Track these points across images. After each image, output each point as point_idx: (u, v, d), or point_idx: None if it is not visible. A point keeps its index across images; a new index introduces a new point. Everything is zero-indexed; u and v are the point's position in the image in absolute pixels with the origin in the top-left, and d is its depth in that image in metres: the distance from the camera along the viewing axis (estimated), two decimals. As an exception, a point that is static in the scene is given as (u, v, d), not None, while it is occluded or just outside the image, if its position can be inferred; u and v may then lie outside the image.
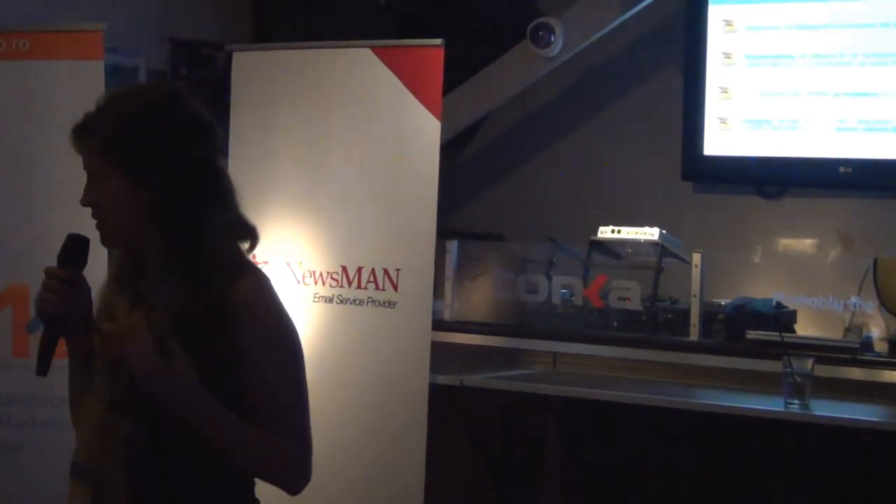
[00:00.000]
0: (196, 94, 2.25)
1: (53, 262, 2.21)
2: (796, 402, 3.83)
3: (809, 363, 3.85)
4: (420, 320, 4.14)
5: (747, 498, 4.42)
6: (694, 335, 4.39)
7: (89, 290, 2.22)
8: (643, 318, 4.51)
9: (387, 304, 4.19)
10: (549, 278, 4.68)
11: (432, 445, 4.08)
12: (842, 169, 4.88)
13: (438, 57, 4.13)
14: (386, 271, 4.19)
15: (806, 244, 5.13)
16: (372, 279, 4.21)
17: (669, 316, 4.51)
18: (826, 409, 3.87)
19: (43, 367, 2.19)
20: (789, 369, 3.84)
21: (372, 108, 4.26)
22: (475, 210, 5.71)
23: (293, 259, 4.31)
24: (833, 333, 4.54)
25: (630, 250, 4.65)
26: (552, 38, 5.00)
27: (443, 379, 4.27)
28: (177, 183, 2.14)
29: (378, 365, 4.18)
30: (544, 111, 5.69)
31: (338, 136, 4.32)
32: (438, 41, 4.14)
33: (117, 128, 2.14)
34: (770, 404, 3.93)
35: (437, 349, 4.20)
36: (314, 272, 4.32)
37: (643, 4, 4.98)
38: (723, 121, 5.12)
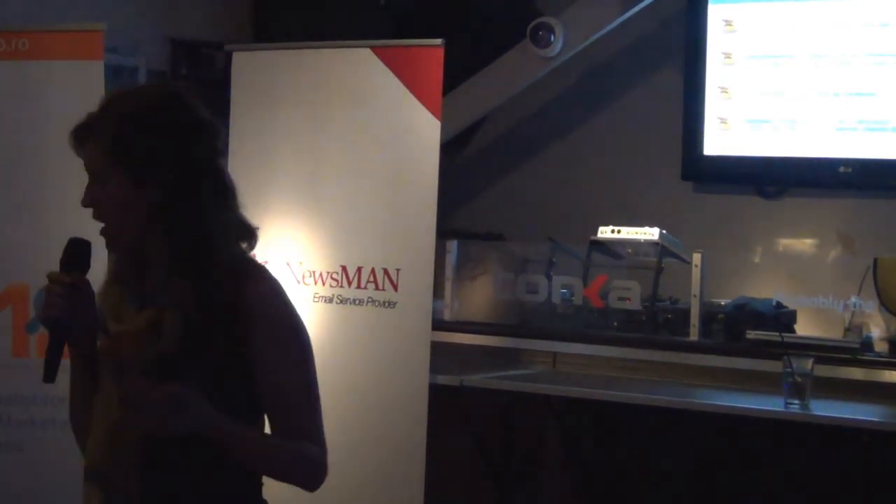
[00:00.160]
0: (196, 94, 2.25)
1: (53, 263, 2.19)
2: (796, 402, 3.83)
3: (809, 363, 3.85)
4: (420, 320, 4.14)
5: (747, 498, 4.42)
6: (694, 335, 4.39)
7: (93, 293, 2.21)
8: (643, 318, 4.51)
9: (387, 304, 4.19)
10: (549, 278, 4.68)
11: (432, 445, 4.08)
12: (842, 169, 4.88)
13: (438, 57, 4.13)
14: (386, 271, 4.19)
15: (806, 244, 5.13)
16: (372, 279, 4.21)
17: (669, 316, 4.51)
18: (826, 409, 3.87)
19: (50, 374, 2.16)
20: (789, 369, 3.84)
21: (372, 108, 4.26)
22: (475, 210, 5.72)
23: (293, 259, 4.31)
24: (833, 333, 4.54)
25: (630, 250, 4.65)
26: (552, 38, 5.01)
27: (443, 379, 4.27)
28: (180, 182, 2.13)
29: (378, 365, 4.18)
30: (544, 111, 5.69)
31: (338, 136, 4.32)
32: (438, 41, 4.14)
33: (119, 128, 2.13)
34: (770, 404, 3.93)
35: (437, 349, 4.20)
36: (314, 272, 4.32)
37: (643, 4, 4.99)
38: (723, 121, 5.12)
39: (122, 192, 2.13)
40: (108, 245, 2.20)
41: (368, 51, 4.27)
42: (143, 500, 2.13)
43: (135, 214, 2.14)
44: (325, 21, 5.35)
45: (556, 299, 4.65)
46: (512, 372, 4.54)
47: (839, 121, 4.89)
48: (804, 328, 4.59)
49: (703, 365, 4.35)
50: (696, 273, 4.40)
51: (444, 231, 4.68)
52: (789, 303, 4.63)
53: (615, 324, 4.57)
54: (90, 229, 2.20)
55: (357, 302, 4.24)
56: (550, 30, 5.00)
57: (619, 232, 4.60)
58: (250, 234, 2.24)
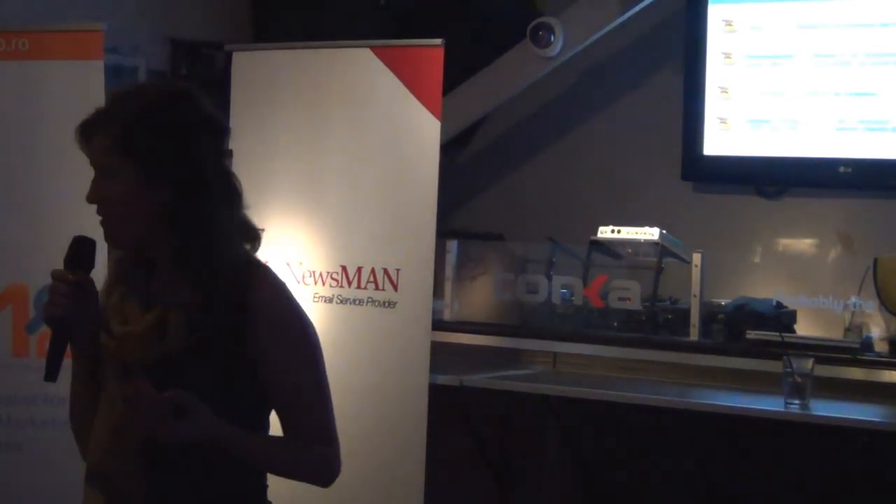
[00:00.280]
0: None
1: (53, 263, 2.19)
2: (796, 402, 3.84)
3: (809, 363, 3.85)
4: (420, 320, 4.14)
5: (747, 498, 4.42)
6: (694, 335, 4.39)
7: (97, 293, 2.19)
8: (643, 318, 4.51)
9: (387, 304, 4.19)
10: (549, 278, 4.68)
11: (432, 445, 4.08)
12: (842, 169, 4.88)
13: (438, 57, 4.13)
14: (386, 271, 4.19)
15: (806, 244, 5.12)
16: (372, 279, 4.21)
17: (669, 316, 4.51)
18: (826, 409, 3.87)
19: (52, 373, 2.14)
20: (789, 369, 3.84)
21: (372, 108, 4.26)
22: (475, 210, 5.71)
23: (293, 259, 4.31)
24: (833, 333, 4.54)
25: (630, 250, 4.65)
26: (552, 38, 5.00)
27: (443, 379, 4.27)
28: (188, 180, 2.12)
29: (378, 365, 4.18)
30: (544, 111, 5.69)
31: (337, 136, 4.32)
32: (438, 41, 4.14)
33: (130, 123, 2.11)
34: (770, 404, 3.93)
35: (437, 349, 4.20)
36: (314, 272, 4.32)
37: (643, 4, 4.98)
38: (723, 121, 5.12)
39: (129, 188, 2.11)
40: (109, 241, 2.18)
41: (368, 51, 4.27)
42: (147, 502, 2.12)
43: (141, 211, 2.12)
44: (324, 21, 5.35)
45: (556, 299, 4.65)
46: (512, 372, 4.54)
47: (839, 121, 4.89)
48: (804, 328, 4.59)
49: (703, 365, 4.35)
50: (696, 273, 4.40)
51: (444, 231, 4.68)
52: (789, 303, 4.63)
53: (615, 324, 4.57)
54: (90, 229, 2.19)
55: (357, 302, 4.24)
56: (550, 30, 5.00)
57: (619, 232, 4.60)
58: (255, 236, 2.23)
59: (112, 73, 4.52)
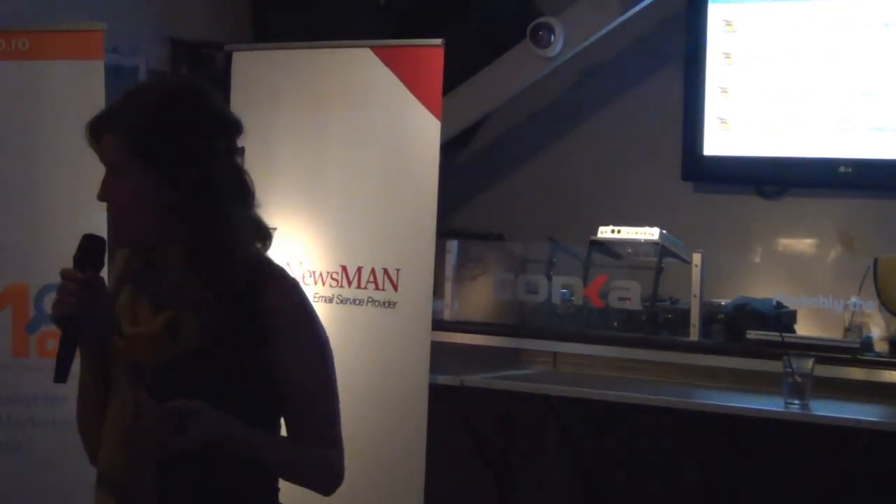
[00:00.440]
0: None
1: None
2: (796, 402, 3.84)
3: (809, 363, 3.85)
4: (420, 320, 4.14)
5: (747, 498, 4.42)
6: (694, 335, 4.39)
7: (107, 292, 2.15)
8: (643, 318, 4.51)
9: (387, 304, 4.19)
10: (549, 278, 4.68)
11: (432, 445, 4.08)
12: (842, 169, 4.88)
13: (438, 57, 4.13)
14: (386, 271, 4.20)
15: (806, 244, 5.13)
16: (372, 279, 4.21)
17: (669, 316, 4.51)
18: (826, 409, 3.87)
19: (62, 374, 2.09)
20: (789, 369, 3.84)
21: (372, 108, 4.26)
22: (475, 210, 5.71)
23: (293, 259, 4.31)
24: (833, 333, 4.55)
25: (630, 250, 4.66)
26: (552, 38, 5.00)
27: (443, 379, 4.27)
28: (200, 178, 2.10)
29: (378, 365, 4.17)
30: (544, 111, 5.69)
31: (337, 136, 4.32)
32: (438, 41, 4.14)
33: (142, 120, 2.08)
34: (770, 404, 3.93)
35: (437, 349, 4.20)
36: (314, 272, 4.32)
37: (643, 4, 4.98)
38: (723, 121, 5.12)
39: (140, 186, 2.09)
40: (119, 240, 2.15)
41: (368, 50, 4.27)
42: None
43: (151, 210, 2.09)
44: (324, 21, 5.34)
45: (556, 299, 4.65)
46: (512, 372, 4.54)
47: (839, 121, 4.89)
48: (804, 328, 4.60)
49: (703, 365, 4.35)
50: (696, 273, 4.40)
51: (444, 231, 4.68)
52: (789, 303, 4.63)
53: (615, 324, 4.57)
54: (90, 229, 2.17)
55: (357, 302, 4.24)
56: (550, 30, 5.00)
57: (619, 232, 4.60)
58: (266, 234, 2.21)
59: (112, 73, 4.51)
